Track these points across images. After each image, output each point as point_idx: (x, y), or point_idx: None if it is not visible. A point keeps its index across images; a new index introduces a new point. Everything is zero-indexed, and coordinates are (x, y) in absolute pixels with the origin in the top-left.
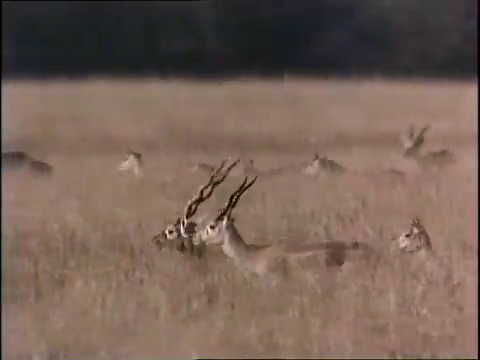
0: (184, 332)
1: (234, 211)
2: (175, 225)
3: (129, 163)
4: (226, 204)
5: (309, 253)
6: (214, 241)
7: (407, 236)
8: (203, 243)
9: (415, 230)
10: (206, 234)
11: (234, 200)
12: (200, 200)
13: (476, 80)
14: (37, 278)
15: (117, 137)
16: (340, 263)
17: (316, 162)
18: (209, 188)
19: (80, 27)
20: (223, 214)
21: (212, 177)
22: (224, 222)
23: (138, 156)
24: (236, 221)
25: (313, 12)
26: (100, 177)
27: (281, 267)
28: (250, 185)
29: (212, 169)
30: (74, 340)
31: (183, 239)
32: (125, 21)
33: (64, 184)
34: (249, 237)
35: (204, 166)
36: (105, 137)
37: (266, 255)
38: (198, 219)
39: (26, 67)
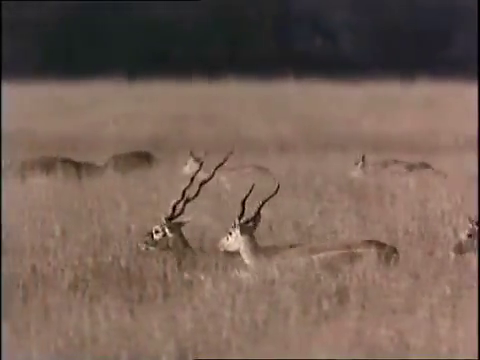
0: (315, 333)
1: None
2: (161, 225)
3: (189, 167)
4: (240, 210)
5: (324, 254)
6: (232, 248)
7: None
8: (226, 248)
9: None
10: (227, 240)
11: (246, 204)
12: (187, 201)
13: None
14: (166, 279)
15: (250, 138)
16: (352, 262)
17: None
18: (197, 188)
19: (210, 27)
20: (240, 221)
21: (192, 178)
22: (238, 229)
23: (197, 160)
24: (367, 221)
25: (445, 13)
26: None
27: (296, 271)
28: (272, 195)
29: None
30: (203, 341)
31: (168, 239)
32: (256, 21)
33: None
34: (380, 238)
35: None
36: (238, 138)
37: (282, 258)
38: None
39: (159, 67)
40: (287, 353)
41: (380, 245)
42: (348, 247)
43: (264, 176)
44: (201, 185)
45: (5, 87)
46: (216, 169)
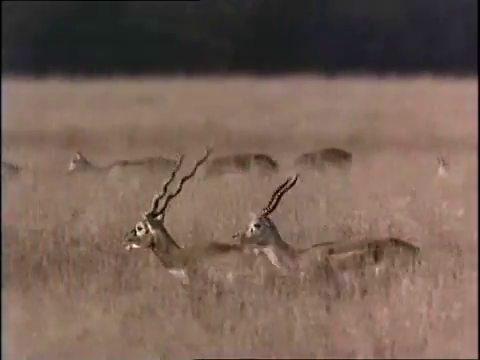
0: None
1: None
2: (143, 222)
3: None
4: (272, 203)
5: (350, 253)
6: (258, 240)
7: None
8: (246, 241)
9: None
10: (251, 232)
11: (276, 200)
12: (170, 197)
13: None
14: (363, 276)
15: (444, 136)
16: (378, 261)
17: None
18: (178, 185)
19: (407, 25)
20: (268, 213)
21: (173, 172)
22: (268, 222)
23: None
24: None
25: None
26: (427, 174)
27: (322, 268)
28: (292, 185)
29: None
30: (401, 338)
31: (152, 236)
32: (449, 20)
33: (394, 181)
34: None
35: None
36: (431, 136)
37: (307, 256)
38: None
39: (355, 64)
40: None
41: (404, 244)
42: (373, 246)
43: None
44: (183, 181)
45: (187, 83)
46: (197, 165)
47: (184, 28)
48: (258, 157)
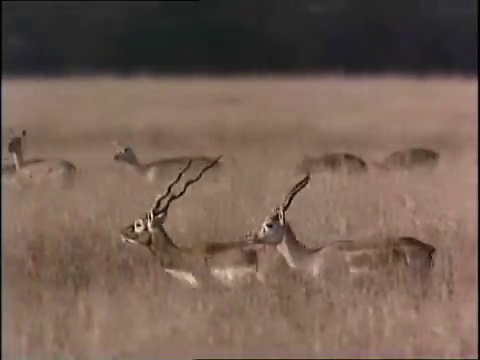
0: None
1: None
2: (143, 219)
3: None
4: (285, 203)
5: (364, 251)
6: (270, 240)
7: None
8: (259, 241)
9: None
10: (263, 233)
11: (288, 200)
12: (173, 197)
13: None
14: (451, 276)
15: None
16: (397, 261)
17: None
18: (182, 187)
19: None
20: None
21: (180, 174)
22: (281, 221)
23: None
24: None
25: None
26: None
27: (337, 267)
28: (303, 186)
29: None
30: None
31: (150, 233)
32: None
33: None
34: None
35: None
36: None
37: (321, 255)
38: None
39: (443, 64)
40: None
41: (419, 244)
42: (388, 245)
43: None
44: (187, 184)
45: (275, 82)
46: (204, 171)
47: (273, 27)
48: (348, 157)
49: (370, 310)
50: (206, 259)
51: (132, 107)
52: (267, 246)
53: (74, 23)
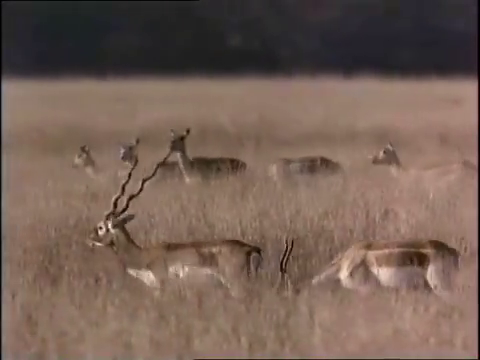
0: None
1: None
2: (104, 221)
3: None
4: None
5: (386, 251)
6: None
7: None
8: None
9: None
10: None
11: None
12: (131, 197)
13: None
14: None
15: None
16: (421, 263)
17: None
18: (139, 185)
19: None
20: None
21: (129, 174)
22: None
23: None
24: None
25: None
26: None
27: (362, 269)
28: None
29: None
30: None
31: (111, 235)
32: None
33: None
34: None
35: None
36: None
37: (348, 254)
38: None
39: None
40: None
41: (443, 247)
42: (412, 246)
43: None
44: (143, 182)
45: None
46: (158, 166)
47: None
48: None
49: None
50: (165, 258)
51: (356, 108)
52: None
53: (296, 23)
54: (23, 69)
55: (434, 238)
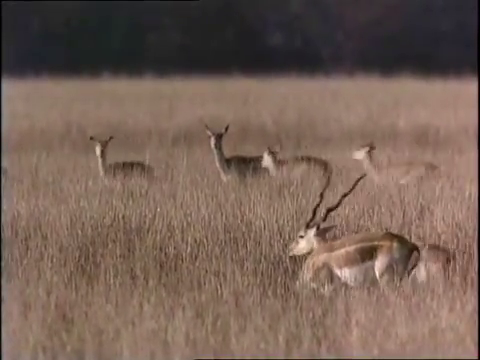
0: None
1: None
2: (304, 230)
3: None
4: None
5: (343, 250)
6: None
7: None
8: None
9: None
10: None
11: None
12: (329, 210)
13: None
14: None
15: None
16: (373, 257)
17: None
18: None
19: None
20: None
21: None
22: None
23: None
24: None
25: None
26: None
27: (325, 271)
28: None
29: None
30: None
31: (312, 243)
32: None
33: None
34: None
35: None
36: None
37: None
38: None
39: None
40: None
41: (402, 239)
42: (369, 240)
43: None
44: (343, 197)
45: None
46: (343, 195)
47: None
48: None
49: None
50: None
51: (397, 106)
52: None
53: (337, 22)
54: (64, 68)
55: (471, 237)
